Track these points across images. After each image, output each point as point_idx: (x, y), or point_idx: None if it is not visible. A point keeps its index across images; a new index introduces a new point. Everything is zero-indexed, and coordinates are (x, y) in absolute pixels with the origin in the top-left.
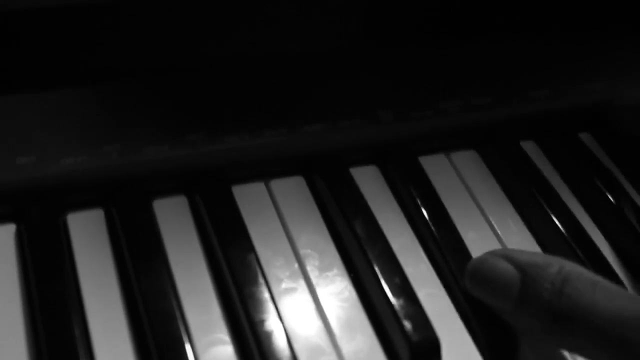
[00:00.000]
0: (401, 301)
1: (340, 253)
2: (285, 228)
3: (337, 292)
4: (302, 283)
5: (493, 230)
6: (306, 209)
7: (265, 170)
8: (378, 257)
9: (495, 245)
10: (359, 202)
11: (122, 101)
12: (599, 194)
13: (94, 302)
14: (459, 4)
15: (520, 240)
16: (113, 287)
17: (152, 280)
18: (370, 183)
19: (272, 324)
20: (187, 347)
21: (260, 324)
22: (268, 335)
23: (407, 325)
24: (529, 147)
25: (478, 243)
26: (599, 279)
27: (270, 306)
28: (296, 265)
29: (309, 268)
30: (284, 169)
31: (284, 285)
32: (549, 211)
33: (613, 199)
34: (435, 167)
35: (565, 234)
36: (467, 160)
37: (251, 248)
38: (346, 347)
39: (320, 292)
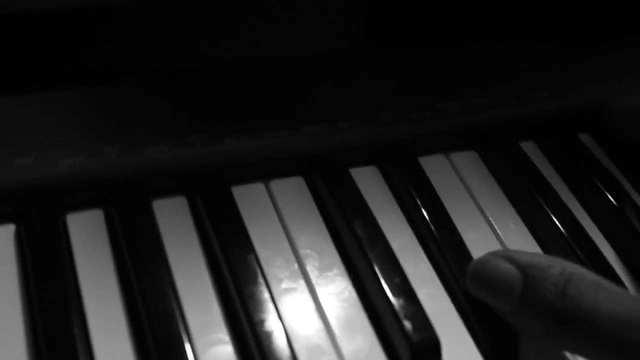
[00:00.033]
0: (401, 301)
1: (340, 253)
2: (285, 228)
3: (337, 292)
4: (302, 283)
5: (493, 231)
6: (306, 209)
7: (265, 170)
8: (378, 257)
9: (495, 246)
10: (359, 203)
11: (122, 102)
12: (599, 194)
13: (94, 302)
14: (458, 5)
15: (520, 240)
16: (112, 287)
17: (152, 280)
18: (369, 183)
19: (272, 323)
20: (187, 346)
21: (260, 323)
22: (268, 335)
23: (407, 325)
24: (529, 148)
25: (478, 243)
26: (601, 280)
27: (270, 306)
28: (296, 266)
29: (308, 268)
30: (283, 170)
31: (283, 285)
32: (549, 211)
33: (613, 199)
34: (435, 167)
35: (566, 234)
36: (467, 161)
37: (251, 248)
38: (346, 347)
39: (320, 292)
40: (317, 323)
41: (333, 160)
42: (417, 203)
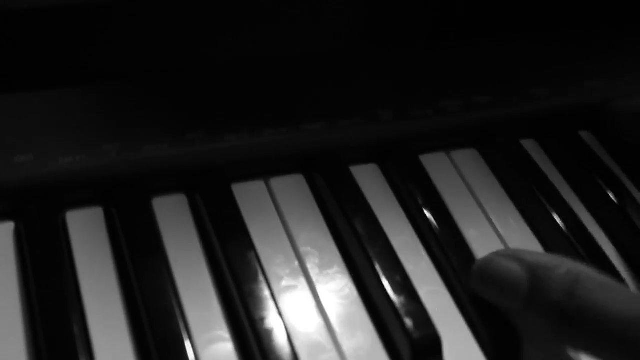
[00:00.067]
0: (402, 298)
1: (341, 251)
2: (285, 226)
3: (337, 289)
4: (302, 280)
5: (494, 228)
6: (306, 207)
7: (265, 168)
8: (379, 254)
9: (496, 243)
10: (359, 200)
11: (121, 100)
12: (600, 192)
13: (93, 300)
14: (459, 4)
15: (521, 238)
16: (112, 285)
17: (152, 278)
18: (370, 181)
19: (272, 321)
20: (187, 344)
21: (260, 321)
22: (268, 333)
23: (408, 322)
24: (530, 146)
25: (479, 241)
26: (608, 280)
27: (270, 304)
28: (296, 263)
29: (309, 266)
30: (284, 167)
31: (284, 283)
32: (550, 209)
33: (614, 196)
34: (435, 165)
35: (567, 232)
36: (468, 159)
37: (251, 246)
38: (347, 345)
39: (320, 289)
40: (318, 320)
41: (333, 158)
42: (418, 201)
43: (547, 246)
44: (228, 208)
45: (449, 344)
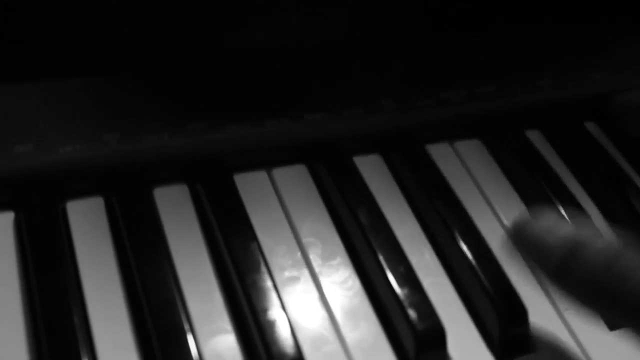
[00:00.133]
0: (406, 290)
1: (344, 242)
2: (287, 216)
3: (340, 281)
4: (305, 272)
5: (498, 219)
6: (309, 197)
7: (267, 158)
8: (382, 245)
9: (500, 234)
10: (362, 191)
11: (122, 89)
12: (605, 183)
13: (94, 290)
14: None
15: None
16: (113, 276)
17: (153, 269)
18: (373, 172)
19: (275, 313)
20: (189, 336)
21: (263, 312)
22: (271, 324)
23: (412, 314)
24: (534, 137)
25: (483, 232)
26: None
27: (273, 295)
28: (299, 254)
29: (311, 257)
30: (286, 158)
31: (286, 274)
32: (555, 200)
33: (619, 187)
34: (439, 156)
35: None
36: (472, 150)
37: (253, 237)
38: (350, 336)
39: (323, 280)
40: (321, 312)
41: (336, 148)
42: (425, 189)
43: None
44: (230, 198)
45: (452, 335)
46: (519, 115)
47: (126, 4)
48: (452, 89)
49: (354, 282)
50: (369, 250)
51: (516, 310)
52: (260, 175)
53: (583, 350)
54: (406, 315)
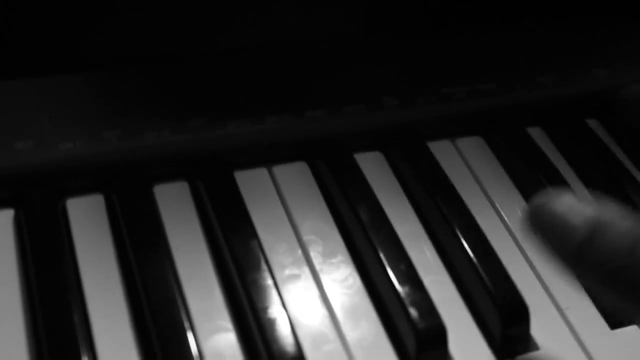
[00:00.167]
0: (407, 288)
1: (345, 239)
2: (288, 214)
3: (341, 278)
4: (305, 270)
5: (499, 217)
6: (309, 194)
7: (268, 155)
8: (383, 243)
9: (501, 232)
10: (363, 188)
11: (123, 86)
12: (607, 180)
13: (94, 288)
14: None
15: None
16: (113, 274)
17: (153, 267)
18: (374, 169)
19: (275, 311)
20: (189, 334)
21: (263, 311)
22: (271, 323)
23: (413, 312)
24: (536, 133)
25: (484, 229)
26: None
27: (273, 293)
28: (299, 252)
29: (312, 254)
30: (287, 155)
31: (287, 272)
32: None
33: (621, 185)
34: (440, 153)
35: None
36: (473, 146)
37: (254, 234)
38: (350, 335)
39: (324, 278)
40: (321, 310)
41: (337, 145)
42: (425, 187)
43: None
44: (230, 196)
45: (453, 334)
46: (521, 112)
47: (127, 2)
48: (453, 85)
49: (355, 280)
50: (369, 247)
51: (518, 308)
52: (261, 173)
53: (584, 349)
54: (407, 314)
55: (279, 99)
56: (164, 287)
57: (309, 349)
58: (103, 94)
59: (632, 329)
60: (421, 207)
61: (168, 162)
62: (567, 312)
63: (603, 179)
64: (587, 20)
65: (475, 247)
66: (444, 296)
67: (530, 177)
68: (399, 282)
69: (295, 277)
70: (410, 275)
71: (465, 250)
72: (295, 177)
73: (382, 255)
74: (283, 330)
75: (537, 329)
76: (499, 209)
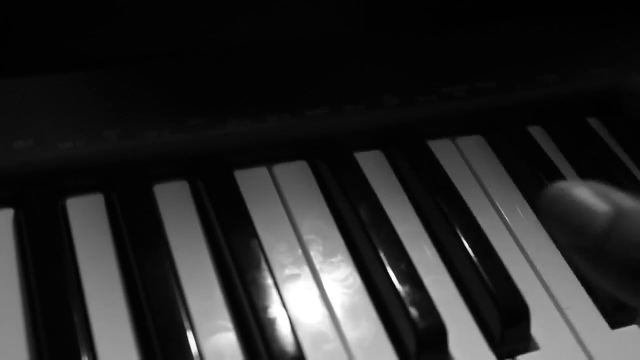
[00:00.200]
0: (407, 287)
1: (345, 239)
2: (288, 213)
3: (341, 278)
4: (305, 269)
5: (500, 216)
6: (310, 194)
7: (268, 154)
8: (383, 242)
9: (502, 231)
10: (364, 187)
11: (123, 85)
12: (608, 179)
13: (94, 288)
14: None
15: (527, 226)
16: (113, 273)
17: (153, 266)
18: (374, 168)
19: (275, 310)
20: (189, 333)
21: (263, 310)
22: (271, 322)
23: (413, 312)
24: (536, 132)
25: (484, 228)
26: None
27: (273, 292)
28: (300, 251)
29: (312, 254)
30: (287, 154)
31: (287, 272)
32: None
33: (622, 183)
34: (441, 152)
35: None
36: (473, 145)
37: (254, 233)
38: (351, 334)
39: (324, 278)
40: (321, 310)
41: (337, 144)
42: (425, 186)
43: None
44: (230, 195)
45: (453, 333)
46: (521, 110)
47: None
48: (453, 84)
49: (355, 280)
50: (369, 247)
51: (518, 308)
52: (261, 172)
53: (585, 349)
54: (407, 313)
55: (279, 97)
56: (163, 286)
57: (309, 349)
58: (103, 93)
59: (632, 328)
60: (421, 206)
61: (168, 162)
62: (568, 311)
63: (603, 178)
64: (587, 18)
65: (476, 247)
66: (444, 296)
67: (530, 176)
68: (399, 282)
69: (295, 276)
70: (410, 275)
71: (466, 250)
72: (296, 176)
73: (382, 255)
74: (283, 329)
75: (538, 329)
76: (500, 208)
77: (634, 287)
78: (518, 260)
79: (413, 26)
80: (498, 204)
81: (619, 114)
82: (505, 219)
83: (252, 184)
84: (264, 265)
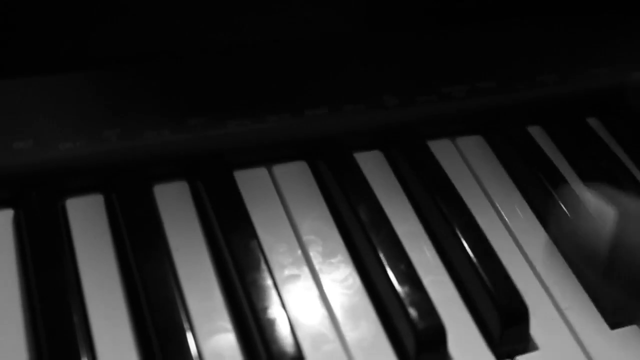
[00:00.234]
0: (406, 288)
1: (344, 239)
2: (288, 214)
3: (341, 279)
4: (305, 270)
5: (499, 216)
6: (309, 194)
7: (268, 155)
8: (382, 243)
9: (501, 232)
10: (363, 188)
11: (122, 85)
12: (608, 180)
13: (94, 289)
14: None
15: (526, 226)
16: (113, 274)
17: (153, 267)
18: (374, 168)
19: (275, 311)
20: (188, 334)
21: (263, 311)
22: (271, 323)
23: (413, 312)
24: (536, 132)
25: (484, 228)
26: None
27: (273, 293)
28: (299, 252)
29: (312, 254)
30: (287, 154)
31: (287, 272)
32: (556, 196)
33: (622, 184)
34: (440, 152)
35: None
36: (473, 146)
37: (253, 234)
38: (350, 335)
39: (323, 279)
40: (321, 310)
41: (337, 145)
42: (425, 186)
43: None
44: (230, 195)
45: (453, 334)
46: (521, 110)
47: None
48: (453, 84)
49: (355, 280)
50: (369, 247)
51: (517, 308)
52: (261, 172)
53: (584, 349)
54: (407, 314)
55: (279, 97)
56: (163, 287)
57: (308, 350)
58: (103, 93)
59: (631, 328)
60: (421, 207)
61: (168, 162)
62: (567, 312)
63: (603, 178)
64: (587, 18)
65: (475, 247)
66: (443, 296)
67: (530, 176)
68: (399, 282)
69: (295, 277)
70: (409, 275)
71: (465, 250)
72: (295, 176)
73: (381, 255)
74: (283, 330)
75: (537, 329)
76: (499, 208)
77: None
78: (517, 261)
79: (413, 26)
80: (497, 204)
81: (619, 114)
82: (504, 219)
83: (252, 184)
84: (263, 266)
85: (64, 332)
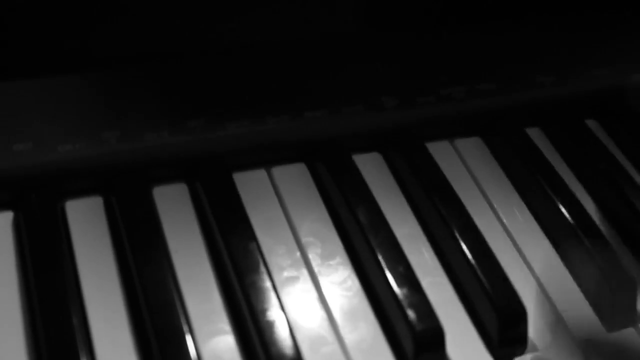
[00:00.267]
0: (405, 290)
1: (343, 241)
2: (287, 216)
3: (339, 281)
4: (304, 272)
5: (498, 218)
6: (308, 196)
7: (267, 157)
8: (381, 245)
9: (500, 234)
10: (362, 190)
11: (122, 87)
12: (606, 181)
13: (93, 290)
14: None
15: (525, 228)
16: (112, 276)
17: (152, 269)
18: (373, 170)
19: (273, 313)
20: (188, 337)
21: (261, 313)
22: (270, 325)
23: (411, 314)
24: (535, 134)
25: (483, 230)
26: None
27: (272, 295)
28: (298, 254)
29: (311, 256)
30: (286, 156)
31: (285, 274)
32: (555, 198)
33: (620, 186)
34: (439, 154)
35: (572, 223)
36: (472, 147)
37: (252, 236)
38: (349, 337)
39: (322, 281)
40: (320, 312)
41: (336, 146)
42: (424, 188)
43: (551, 236)
44: (229, 197)
45: (451, 336)
46: (520, 112)
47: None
48: (452, 85)
49: (353, 282)
50: (368, 249)
51: (515, 310)
52: (260, 174)
53: (582, 351)
54: (405, 316)
55: (278, 99)
56: (162, 289)
57: (307, 352)
58: (102, 95)
59: (629, 331)
60: (419, 209)
61: (167, 164)
62: (565, 314)
63: (602, 180)
64: (586, 19)
65: (474, 249)
66: (442, 298)
67: (528, 178)
68: (397, 284)
69: (294, 279)
70: (408, 277)
71: (464, 252)
72: (294, 178)
73: (380, 257)
74: (281, 332)
75: (535, 331)
76: (498, 210)
77: None
78: (516, 263)
79: (412, 27)
80: (496, 206)
81: (618, 116)
82: (503, 221)
83: (251, 186)
84: (262, 268)
85: (64, 334)
